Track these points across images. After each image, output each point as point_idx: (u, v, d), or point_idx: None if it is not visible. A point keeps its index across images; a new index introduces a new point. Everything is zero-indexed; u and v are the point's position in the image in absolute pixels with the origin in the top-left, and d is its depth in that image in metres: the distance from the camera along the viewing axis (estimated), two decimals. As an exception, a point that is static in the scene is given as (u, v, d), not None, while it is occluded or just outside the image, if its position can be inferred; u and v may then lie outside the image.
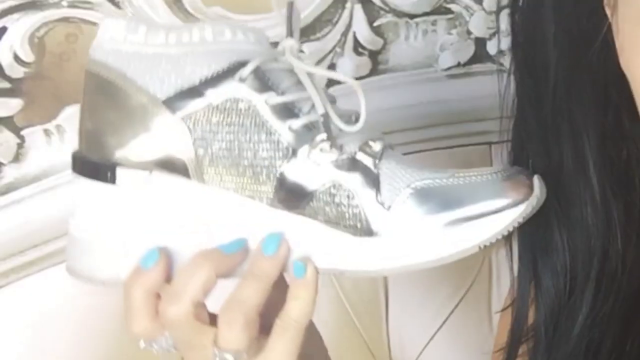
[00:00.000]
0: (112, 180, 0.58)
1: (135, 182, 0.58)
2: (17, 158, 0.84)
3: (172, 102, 0.57)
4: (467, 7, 0.89)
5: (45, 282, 0.87)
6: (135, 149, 0.58)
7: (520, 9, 0.63)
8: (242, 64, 0.57)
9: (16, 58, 0.83)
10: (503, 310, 0.72)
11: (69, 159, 0.85)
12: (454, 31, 0.89)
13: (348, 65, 0.88)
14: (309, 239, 0.58)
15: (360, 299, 0.92)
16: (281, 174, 0.57)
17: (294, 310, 0.57)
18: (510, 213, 0.57)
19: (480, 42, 0.90)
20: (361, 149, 0.58)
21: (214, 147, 0.57)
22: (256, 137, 0.57)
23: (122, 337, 0.87)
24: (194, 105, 0.57)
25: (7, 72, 0.83)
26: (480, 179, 0.58)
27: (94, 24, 0.83)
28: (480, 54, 0.90)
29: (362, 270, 0.58)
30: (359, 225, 0.57)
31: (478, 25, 0.89)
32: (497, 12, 0.72)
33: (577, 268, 0.63)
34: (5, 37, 0.82)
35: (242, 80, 0.57)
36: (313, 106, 0.58)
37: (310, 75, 0.58)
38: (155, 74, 0.57)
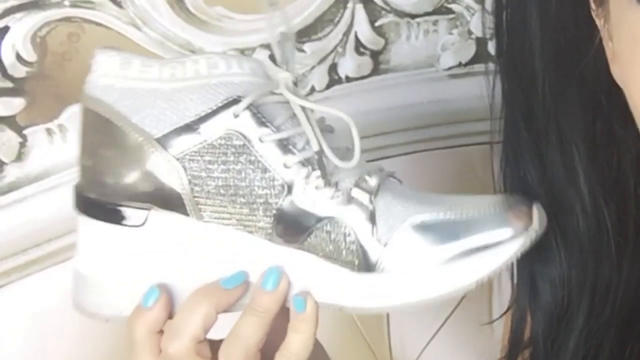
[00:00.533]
0: (111, 219, 0.59)
1: (135, 221, 0.58)
2: (19, 157, 0.84)
3: (167, 140, 0.57)
4: (468, 7, 0.89)
5: (47, 281, 0.87)
6: (132, 187, 0.58)
7: (505, 20, 0.63)
8: (236, 101, 0.57)
9: (18, 57, 0.83)
10: (504, 314, 0.72)
11: (71, 158, 0.86)
12: (455, 31, 0.89)
13: (349, 65, 0.88)
14: (309, 273, 0.58)
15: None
16: (278, 210, 0.57)
17: (295, 344, 0.58)
18: (509, 247, 0.57)
19: (482, 42, 0.90)
20: (357, 185, 0.58)
21: (210, 185, 0.57)
22: (251, 174, 0.57)
23: (124, 336, 0.88)
24: (189, 142, 0.57)
25: (10, 71, 0.83)
26: (478, 213, 0.57)
27: (96, 23, 0.83)
28: (481, 54, 0.90)
29: (360, 307, 0.58)
30: (356, 261, 0.57)
31: (479, 25, 0.89)
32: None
33: (574, 280, 0.63)
34: (7, 36, 0.82)
35: (236, 116, 0.57)
36: (308, 141, 0.57)
37: (305, 109, 0.58)
38: (150, 111, 0.57)
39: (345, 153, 0.58)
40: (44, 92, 0.84)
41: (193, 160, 0.57)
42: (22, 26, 0.82)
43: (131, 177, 0.58)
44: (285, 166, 0.57)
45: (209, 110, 0.57)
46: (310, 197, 0.57)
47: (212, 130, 0.57)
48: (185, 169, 0.57)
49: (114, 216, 0.59)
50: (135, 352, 0.59)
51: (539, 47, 0.61)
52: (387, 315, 0.93)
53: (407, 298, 0.57)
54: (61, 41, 0.83)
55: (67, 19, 0.83)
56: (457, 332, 0.95)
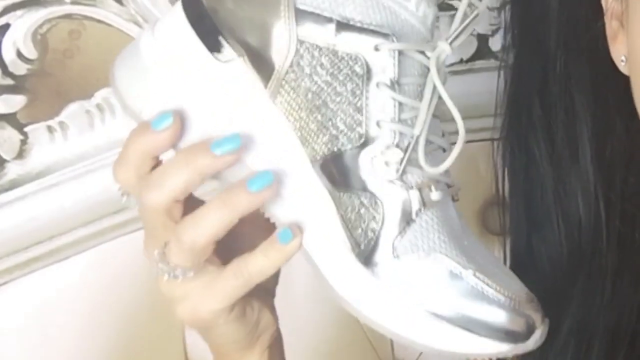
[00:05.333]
0: (206, 40, 0.55)
1: (222, 55, 0.55)
2: (20, 155, 0.84)
3: (304, 17, 0.54)
4: (470, 4, 0.89)
5: (49, 279, 0.87)
6: (243, 26, 0.55)
7: None
8: (387, 36, 0.53)
9: (19, 55, 0.83)
10: None
11: (72, 156, 0.86)
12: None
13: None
14: (318, 216, 0.55)
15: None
16: (339, 151, 0.54)
17: (255, 264, 0.55)
18: (497, 345, 0.54)
19: (483, 39, 0.89)
20: (420, 188, 0.54)
21: (304, 82, 0.54)
22: (345, 105, 0.54)
23: (127, 333, 0.88)
24: (320, 35, 0.54)
25: (11, 69, 0.83)
26: (493, 294, 0.54)
27: (97, 20, 0.83)
28: (483, 51, 0.89)
29: (332, 286, 0.55)
30: (362, 246, 0.54)
31: (481, 21, 0.89)
32: (500, 9, 0.71)
33: (570, 261, 0.63)
34: (8, 34, 0.82)
35: (376, 49, 0.53)
36: (414, 119, 0.54)
37: (435, 89, 0.54)
38: None
39: (435, 149, 0.55)
40: (45, 90, 0.84)
41: (310, 52, 0.54)
42: (23, 23, 0.82)
43: (248, 17, 0.54)
44: (378, 124, 0.54)
45: (359, 24, 0.53)
46: (375, 166, 0.54)
47: (347, 43, 0.53)
48: (297, 51, 0.54)
49: (210, 39, 0.55)
50: (122, 161, 0.56)
51: (555, 20, 0.61)
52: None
53: (376, 318, 0.55)
54: (62, 38, 0.83)
55: (68, 16, 0.83)
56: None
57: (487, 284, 0.54)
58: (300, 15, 0.54)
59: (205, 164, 0.54)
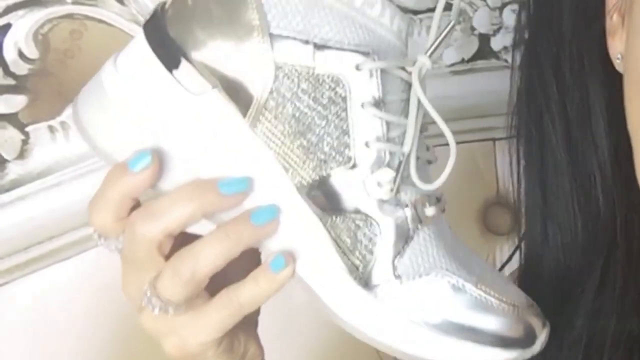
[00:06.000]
0: (172, 69, 0.53)
1: (193, 87, 0.53)
2: (21, 155, 0.84)
3: (279, 42, 0.52)
4: (470, 3, 0.89)
5: (49, 279, 0.87)
6: (215, 55, 0.53)
7: None
8: (367, 54, 0.52)
9: (21, 55, 0.83)
10: None
11: (73, 156, 0.86)
12: (457, 27, 0.89)
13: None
14: (310, 243, 0.54)
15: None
16: (328, 175, 0.53)
17: (246, 294, 0.54)
18: (503, 353, 0.54)
19: (484, 38, 0.90)
20: (414, 206, 0.54)
21: (286, 109, 0.52)
22: (330, 128, 0.52)
23: (126, 334, 0.88)
24: (297, 59, 0.52)
25: (12, 68, 0.83)
26: (496, 304, 0.54)
27: (99, 20, 0.83)
28: (484, 50, 0.89)
29: (332, 312, 0.54)
30: (360, 269, 0.54)
31: (482, 21, 0.89)
32: (501, 8, 0.71)
33: (586, 249, 0.62)
34: (9, 33, 0.82)
35: (358, 69, 0.52)
36: (402, 136, 0.53)
37: (420, 105, 0.53)
38: (284, 4, 0.52)
39: (423, 164, 0.55)
40: (46, 90, 0.84)
41: (289, 77, 0.52)
42: (24, 23, 0.82)
43: (221, 47, 0.53)
44: (367, 145, 0.53)
45: (338, 45, 0.52)
46: (367, 187, 0.53)
47: (327, 64, 0.52)
48: (276, 77, 0.52)
49: (180, 71, 0.53)
50: (98, 204, 0.54)
51: (567, 4, 0.61)
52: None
53: (380, 338, 0.54)
54: (63, 38, 0.84)
55: (70, 16, 0.83)
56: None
57: (490, 294, 0.54)
58: (276, 40, 0.52)
59: (209, 201, 0.53)
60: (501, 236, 0.92)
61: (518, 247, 0.66)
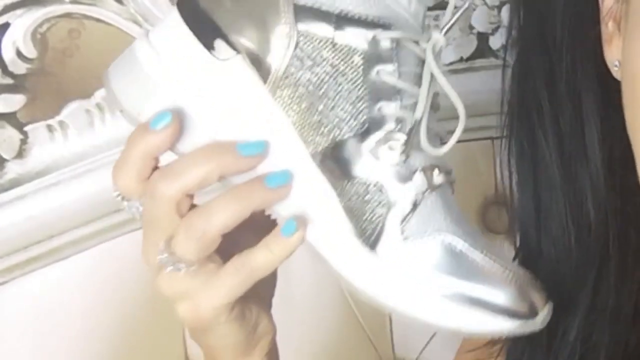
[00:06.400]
0: (203, 38, 0.56)
1: (220, 53, 0.55)
2: (20, 154, 0.84)
3: (303, 12, 0.54)
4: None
5: (49, 278, 0.87)
6: (241, 22, 0.55)
7: None
8: (385, 26, 0.55)
9: (19, 54, 0.83)
10: None
11: (72, 155, 0.86)
12: (456, 26, 0.89)
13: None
14: (321, 208, 0.56)
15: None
16: (342, 140, 0.55)
17: (258, 259, 0.55)
18: (503, 323, 0.55)
19: (483, 37, 0.90)
20: (424, 171, 0.55)
21: (304, 75, 0.55)
22: (346, 94, 0.55)
23: (126, 332, 0.88)
24: (318, 29, 0.54)
25: (10, 68, 0.83)
26: (502, 271, 0.55)
27: (97, 20, 0.84)
28: (483, 49, 0.89)
29: (339, 274, 0.56)
30: (368, 233, 0.55)
31: (480, 20, 0.89)
32: (500, 7, 0.71)
33: (580, 258, 0.62)
34: (7, 33, 0.82)
35: (375, 39, 0.55)
36: (414, 105, 0.55)
37: (433, 78, 0.55)
38: None
39: (433, 136, 0.56)
40: (44, 89, 0.84)
41: (310, 45, 0.55)
42: (23, 22, 0.82)
43: (246, 15, 0.55)
44: (380, 110, 0.55)
45: (357, 16, 0.55)
46: (379, 152, 0.55)
47: (346, 35, 0.54)
48: (297, 45, 0.55)
49: (207, 38, 0.56)
50: (122, 166, 0.56)
51: (560, 15, 0.61)
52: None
53: (385, 300, 0.55)
54: (62, 37, 0.83)
55: (68, 15, 0.83)
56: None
57: (495, 262, 0.55)
58: (299, 10, 0.54)
59: (227, 162, 0.55)
60: (500, 235, 0.92)
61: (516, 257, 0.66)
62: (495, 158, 0.69)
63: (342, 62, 0.55)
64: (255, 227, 0.56)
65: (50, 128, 0.85)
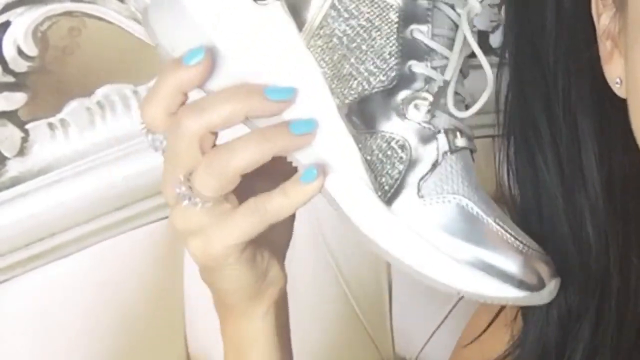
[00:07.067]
0: None
1: None
2: (21, 152, 0.84)
3: None
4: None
5: (50, 276, 0.87)
6: None
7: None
8: None
9: (20, 52, 0.83)
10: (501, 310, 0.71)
11: (73, 153, 0.86)
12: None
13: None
14: (342, 160, 0.56)
15: (364, 293, 0.92)
16: (370, 93, 0.56)
17: (274, 203, 0.56)
18: (511, 290, 0.55)
19: (483, 35, 0.89)
20: (447, 132, 0.56)
21: (340, 27, 0.55)
22: (378, 49, 0.56)
23: (127, 329, 0.88)
24: None
25: (11, 66, 0.83)
26: (513, 241, 0.56)
27: (98, 17, 0.84)
28: (483, 47, 0.88)
29: (353, 224, 0.56)
30: (386, 187, 0.56)
31: (480, 18, 0.89)
32: (500, 5, 0.71)
33: (587, 281, 0.62)
34: (8, 31, 0.82)
35: None
36: (444, 67, 0.56)
37: (465, 42, 0.56)
38: None
39: (459, 101, 0.57)
40: (45, 87, 0.84)
41: None
42: (23, 21, 0.82)
43: None
44: (410, 68, 0.56)
45: None
46: (405, 108, 0.56)
47: None
48: None
49: None
50: (151, 98, 0.56)
51: (553, 36, 0.61)
52: (390, 307, 0.93)
53: (398, 255, 0.56)
54: (62, 35, 0.84)
55: (68, 13, 0.83)
56: (461, 325, 0.95)
57: (507, 232, 0.56)
58: None
59: (254, 103, 0.55)
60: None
61: None
62: (495, 156, 0.69)
63: (377, 17, 0.55)
64: (274, 175, 0.57)
65: (51, 126, 0.85)
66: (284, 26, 0.56)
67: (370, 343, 0.93)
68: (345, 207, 0.56)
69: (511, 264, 0.55)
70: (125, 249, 0.88)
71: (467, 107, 0.58)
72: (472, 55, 0.83)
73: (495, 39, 0.89)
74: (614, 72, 0.58)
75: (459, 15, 0.56)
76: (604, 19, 0.59)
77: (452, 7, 0.56)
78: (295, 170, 0.57)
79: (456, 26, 0.57)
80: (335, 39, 0.56)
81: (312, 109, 0.56)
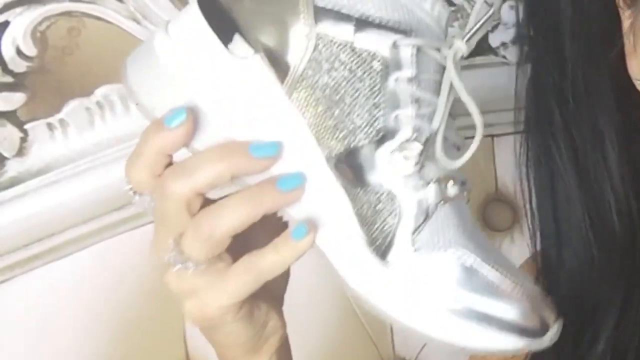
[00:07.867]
0: (222, 36, 0.55)
1: (238, 51, 0.55)
2: (20, 152, 0.85)
3: (322, 14, 0.54)
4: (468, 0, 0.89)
5: (49, 276, 0.87)
6: (260, 22, 0.55)
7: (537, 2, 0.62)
8: (407, 32, 0.54)
9: (19, 52, 0.83)
10: None
11: (72, 153, 0.86)
12: (456, 24, 0.89)
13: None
14: (333, 213, 0.55)
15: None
16: (356, 148, 0.54)
17: (266, 261, 0.54)
18: (511, 340, 0.54)
19: (483, 34, 0.89)
20: (438, 182, 0.55)
21: (322, 78, 0.54)
22: (363, 100, 0.54)
23: (127, 330, 0.88)
24: (338, 32, 0.54)
25: (10, 66, 0.83)
26: (510, 289, 0.54)
27: (97, 17, 0.84)
28: (482, 47, 0.89)
29: (345, 283, 0.55)
30: (379, 242, 0.54)
31: (480, 17, 0.89)
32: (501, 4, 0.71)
33: (607, 276, 0.61)
34: (7, 31, 0.82)
35: (395, 45, 0.54)
36: (432, 114, 0.54)
37: (452, 87, 0.54)
38: None
39: (451, 146, 0.56)
40: (44, 87, 0.84)
41: (328, 48, 0.54)
42: (22, 21, 0.82)
43: (266, 15, 0.55)
44: (396, 118, 0.54)
45: (378, 21, 0.54)
46: (393, 161, 0.54)
47: (366, 39, 0.54)
48: (316, 47, 0.54)
49: (226, 35, 0.55)
50: (135, 161, 0.55)
51: (568, 30, 0.60)
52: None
53: (391, 313, 0.54)
54: (61, 35, 0.84)
55: (67, 13, 0.83)
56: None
57: (505, 278, 0.54)
58: (319, 12, 0.54)
59: (239, 162, 0.54)
60: (501, 232, 0.92)
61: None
62: (495, 156, 0.69)
63: (360, 68, 0.54)
64: (267, 227, 0.56)
65: (50, 126, 0.85)
66: (264, 80, 0.55)
67: (370, 343, 0.93)
68: (337, 262, 0.55)
69: (512, 312, 0.54)
70: (124, 249, 0.87)
71: (458, 149, 0.56)
72: (472, 54, 0.83)
73: (495, 38, 0.89)
74: (637, 68, 0.58)
75: (444, 57, 0.55)
76: (628, 15, 0.58)
77: (438, 49, 0.55)
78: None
79: (442, 68, 0.55)
80: (318, 91, 0.54)
81: (299, 162, 0.55)
